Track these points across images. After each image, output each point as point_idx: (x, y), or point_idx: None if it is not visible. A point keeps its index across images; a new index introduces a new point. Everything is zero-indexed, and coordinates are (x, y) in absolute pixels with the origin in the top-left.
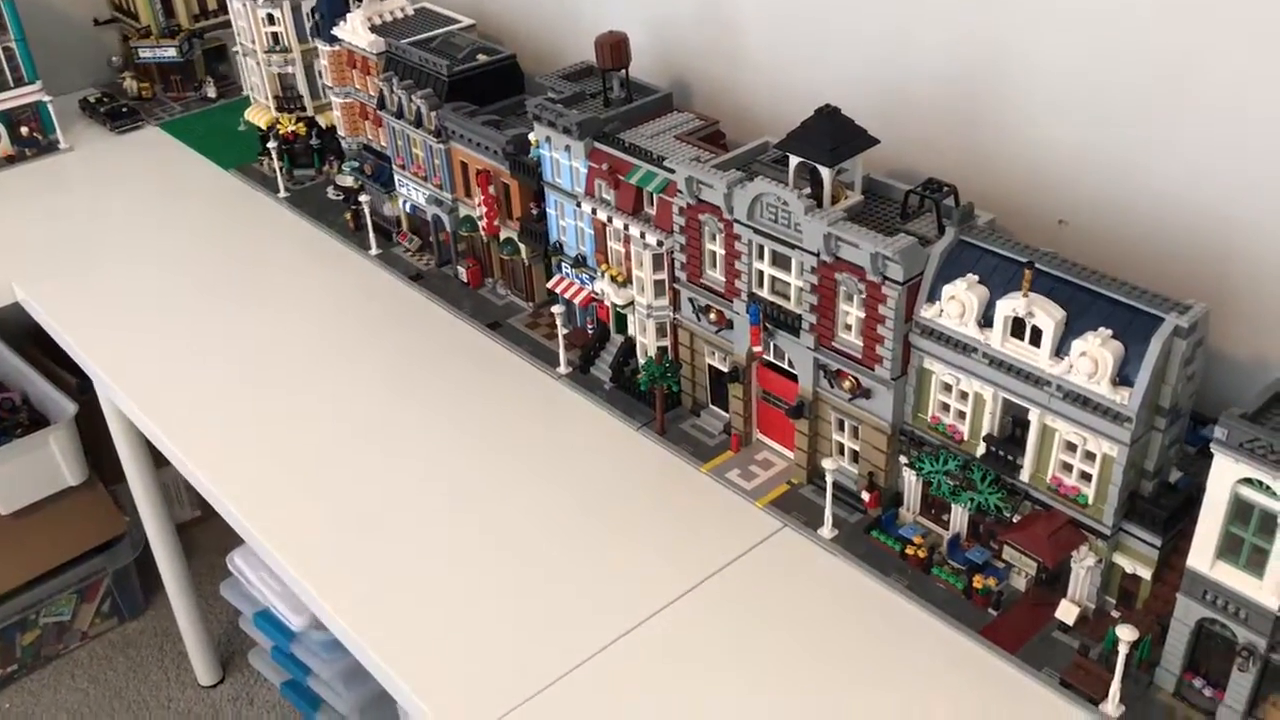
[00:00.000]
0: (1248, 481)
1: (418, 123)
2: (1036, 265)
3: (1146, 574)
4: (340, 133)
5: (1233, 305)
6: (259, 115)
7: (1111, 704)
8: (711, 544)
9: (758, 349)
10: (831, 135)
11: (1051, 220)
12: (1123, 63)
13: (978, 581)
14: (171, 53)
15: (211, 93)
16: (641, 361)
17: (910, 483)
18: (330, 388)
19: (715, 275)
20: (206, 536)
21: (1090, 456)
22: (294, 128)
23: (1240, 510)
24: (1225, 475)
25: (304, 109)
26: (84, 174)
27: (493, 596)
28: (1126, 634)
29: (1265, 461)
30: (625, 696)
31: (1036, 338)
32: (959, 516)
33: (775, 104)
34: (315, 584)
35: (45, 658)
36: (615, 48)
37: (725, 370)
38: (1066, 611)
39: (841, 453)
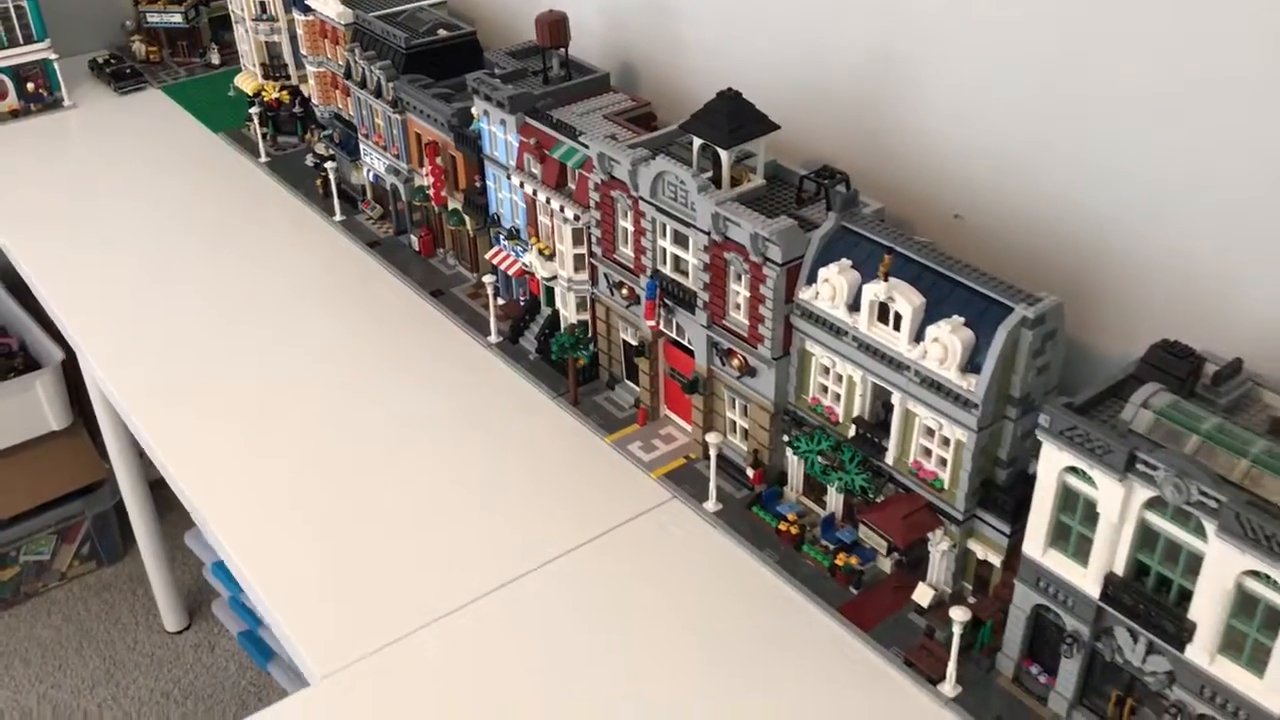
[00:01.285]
0: (1073, 470)
1: (378, 93)
2: (902, 252)
3: (997, 560)
4: (314, 101)
5: (1109, 300)
6: (247, 82)
7: (948, 685)
8: (600, 510)
9: (652, 323)
10: (730, 118)
11: (949, 213)
12: (1010, 66)
13: (840, 560)
14: (177, 19)
15: (215, 59)
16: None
17: (793, 461)
18: (274, 346)
19: (626, 251)
20: None
21: (946, 442)
22: (278, 95)
23: (1068, 498)
24: (1052, 463)
25: (288, 77)
26: (82, 131)
27: (386, 541)
28: (958, 615)
29: (1084, 450)
30: (496, 642)
31: (899, 323)
32: (834, 496)
33: (710, 90)
34: (215, 517)
35: (25, 594)
36: (554, 26)
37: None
38: (922, 594)
39: (734, 430)
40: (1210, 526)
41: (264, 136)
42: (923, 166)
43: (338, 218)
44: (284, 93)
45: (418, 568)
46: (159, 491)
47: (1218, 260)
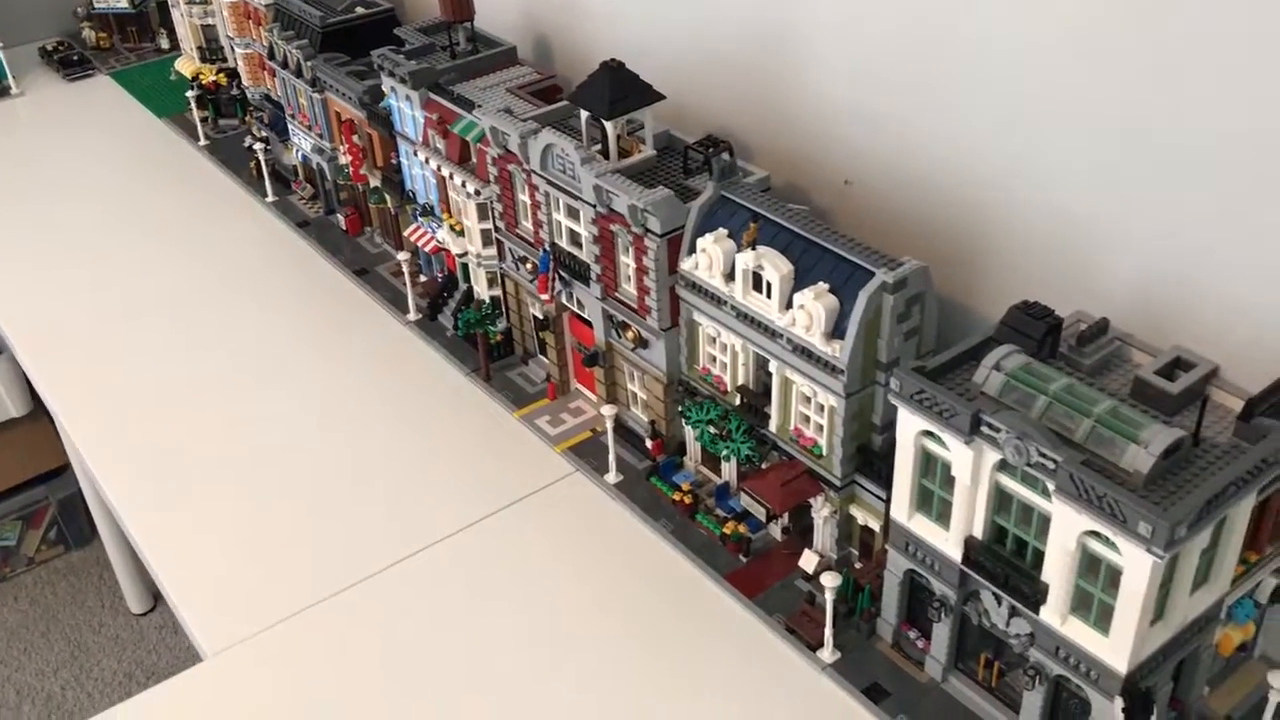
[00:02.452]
0: (929, 434)
1: (298, 73)
2: (772, 219)
3: (877, 525)
4: (245, 82)
5: (992, 263)
6: (186, 66)
7: (827, 650)
8: (500, 486)
9: (545, 297)
10: (612, 89)
11: (839, 180)
12: (892, 34)
13: (729, 528)
14: (125, 4)
15: (165, 44)
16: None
17: (690, 431)
18: (200, 330)
19: (527, 225)
20: None
21: (822, 409)
22: (215, 78)
23: (927, 463)
24: (908, 427)
25: (225, 60)
26: (29, 118)
27: (289, 518)
28: (829, 581)
29: (933, 413)
30: (393, 617)
31: (771, 291)
32: (727, 465)
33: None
34: (118, 495)
35: None
36: (458, 0)
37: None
38: (807, 561)
39: (635, 401)
40: (1051, 487)
41: (204, 120)
42: (814, 134)
43: (270, 199)
44: (221, 75)
45: (318, 544)
46: None
47: (1090, 222)
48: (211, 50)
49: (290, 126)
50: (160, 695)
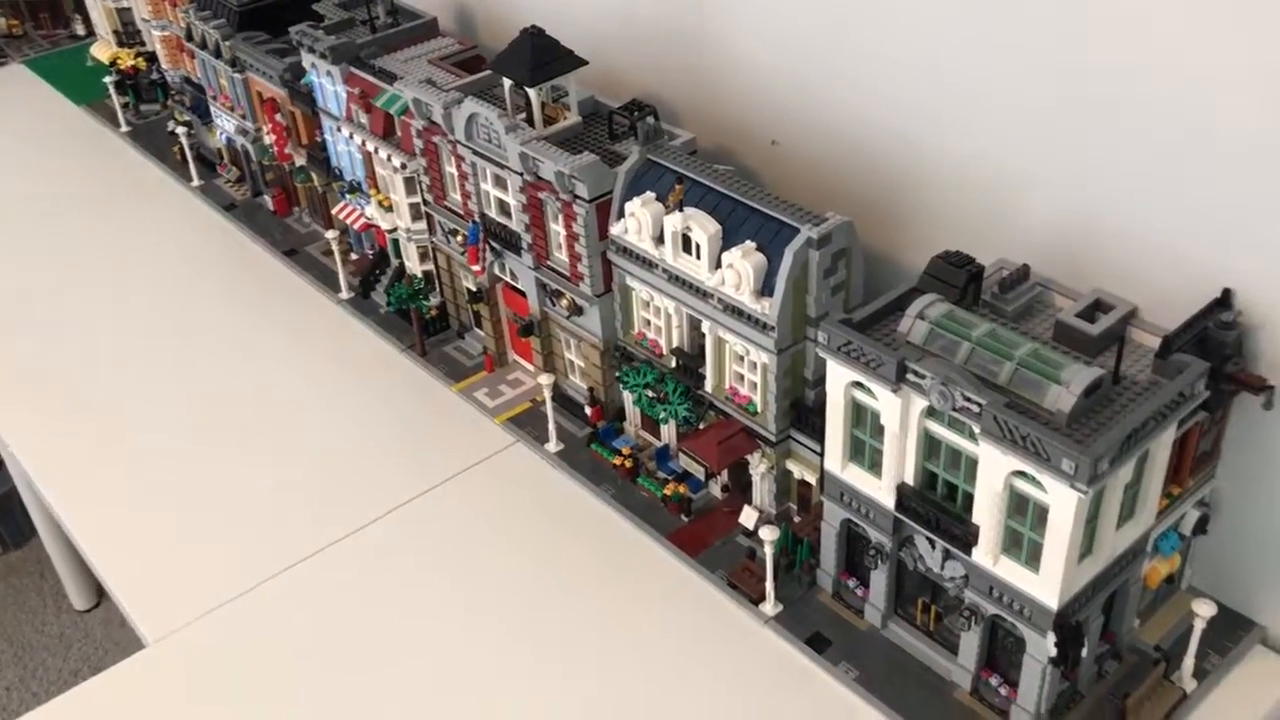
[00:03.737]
0: (858, 385)
1: (217, 53)
2: (698, 180)
3: (813, 479)
4: (164, 65)
5: (917, 216)
6: (103, 51)
7: (769, 603)
8: (440, 459)
9: (477, 268)
10: (534, 56)
11: (767, 141)
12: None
13: (669, 489)
14: None
15: (80, 29)
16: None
17: (628, 396)
18: (125, 318)
19: (456, 197)
20: None
21: (755, 366)
22: (133, 63)
23: (858, 413)
24: (838, 379)
25: (144, 44)
26: None
27: (225, 502)
28: (767, 535)
29: (860, 364)
30: (336, 594)
31: (700, 252)
32: (666, 428)
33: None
34: (54, 491)
35: None
36: None
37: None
38: (747, 517)
39: (573, 369)
40: (976, 429)
41: (124, 106)
42: (740, 97)
43: (196, 183)
44: (140, 60)
45: (256, 527)
46: None
47: (1009, 172)
48: (128, 34)
49: (212, 108)
50: (102, 684)
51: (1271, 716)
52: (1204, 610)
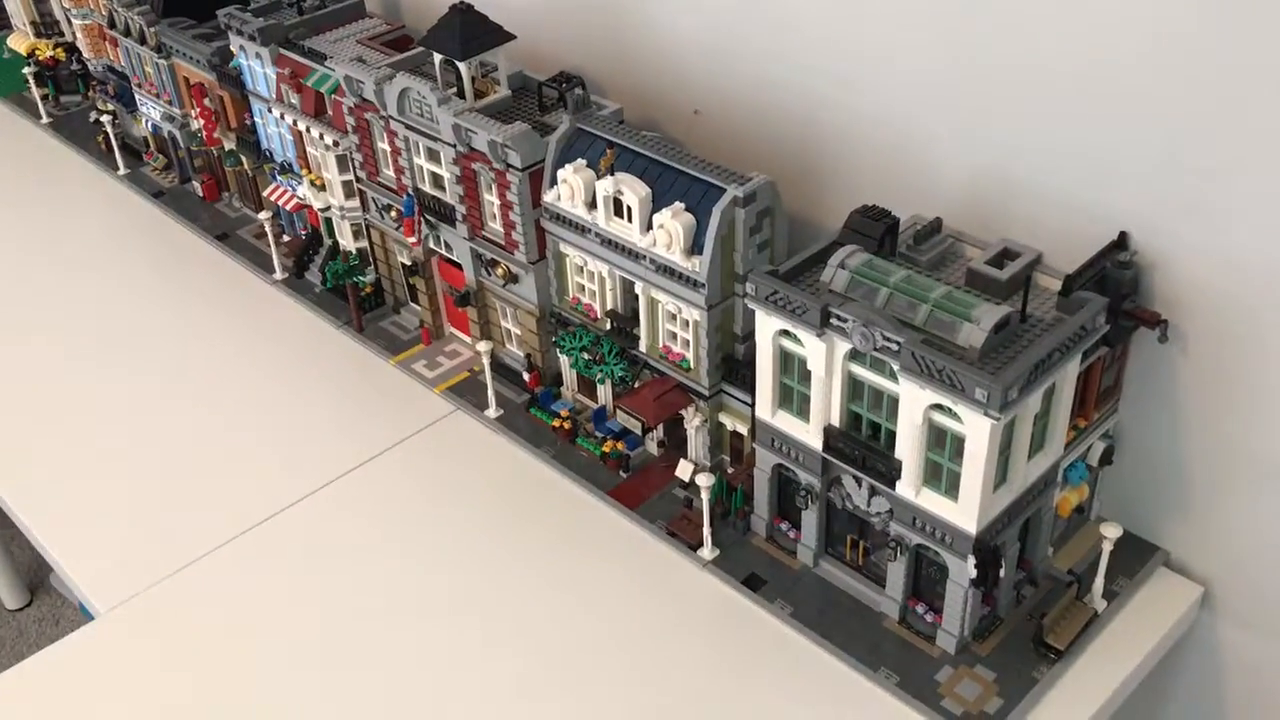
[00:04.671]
0: (785, 333)
1: (141, 40)
2: (627, 146)
3: (745, 430)
4: (86, 55)
5: (834, 175)
6: (20, 42)
7: (706, 549)
8: (381, 429)
9: (413, 240)
10: (463, 30)
11: (689, 110)
12: None
13: (608, 447)
14: None
15: None
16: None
17: (565, 361)
18: (60, 307)
19: (389, 173)
20: None
21: (687, 324)
22: (53, 53)
23: (786, 361)
24: (766, 328)
25: (63, 34)
26: None
27: (168, 476)
28: (704, 481)
29: (786, 312)
30: (281, 565)
31: (632, 215)
32: (603, 389)
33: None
34: None
35: None
36: None
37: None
38: (683, 469)
39: (509, 337)
40: (896, 367)
41: (44, 98)
42: (662, 68)
43: (122, 172)
44: (59, 50)
45: (201, 500)
46: None
47: (919, 130)
48: (46, 24)
49: (137, 96)
50: (52, 655)
51: (1175, 631)
52: (1110, 533)
